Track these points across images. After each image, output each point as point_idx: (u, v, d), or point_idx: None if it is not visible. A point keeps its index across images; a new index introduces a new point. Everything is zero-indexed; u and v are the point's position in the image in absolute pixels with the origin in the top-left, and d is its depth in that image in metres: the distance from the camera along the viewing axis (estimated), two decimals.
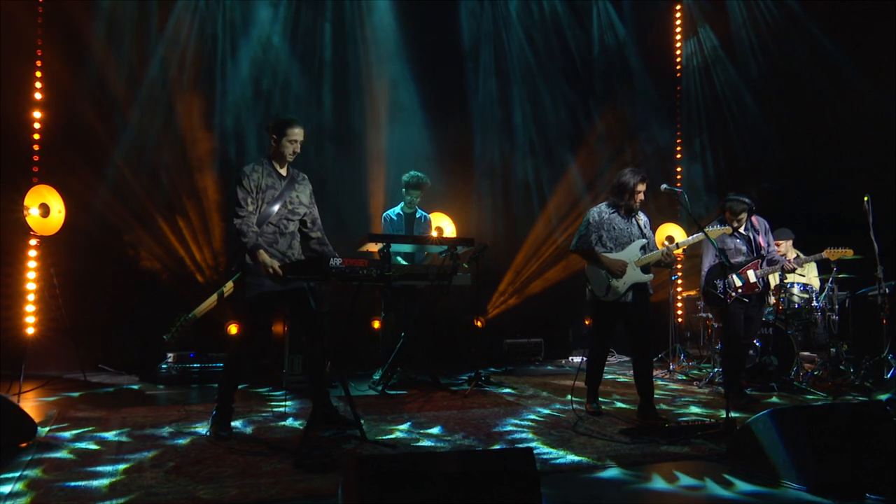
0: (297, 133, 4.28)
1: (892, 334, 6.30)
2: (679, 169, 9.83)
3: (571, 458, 3.85)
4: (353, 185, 7.92)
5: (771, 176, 8.42)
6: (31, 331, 6.65)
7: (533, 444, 4.14)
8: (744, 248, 5.85)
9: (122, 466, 3.55)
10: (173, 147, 7.23)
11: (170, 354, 6.33)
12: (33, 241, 6.54)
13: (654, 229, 6.19)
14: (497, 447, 4.04)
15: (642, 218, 5.16)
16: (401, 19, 8.16)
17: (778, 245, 6.97)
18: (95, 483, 3.28)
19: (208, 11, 7.51)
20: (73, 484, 3.25)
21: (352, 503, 2.33)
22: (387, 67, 8.13)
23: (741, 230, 5.87)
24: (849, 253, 5.97)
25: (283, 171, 4.36)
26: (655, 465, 3.74)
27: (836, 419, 3.52)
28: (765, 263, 5.83)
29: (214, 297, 4.13)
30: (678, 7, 9.86)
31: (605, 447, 4.10)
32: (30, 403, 5.22)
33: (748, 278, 5.72)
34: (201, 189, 7.23)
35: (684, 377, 7.00)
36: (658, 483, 3.47)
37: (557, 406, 5.38)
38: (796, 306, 6.49)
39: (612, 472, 3.63)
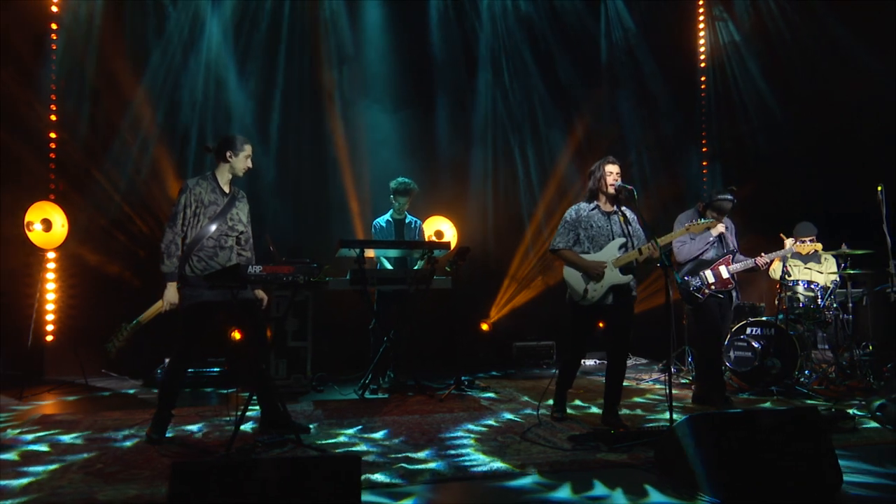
0: (250, 149, 4.45)
1: None
2: (705, 163, 9.45)
3: (493, 465, 3.76)
4: (336, 192, 7.97)
5: (784, 167, 7.96)
6: (49, 338, 7.12)
7: (466, 451, 4.07)
8: (714, 244, 5.61)
9: (53, 467, 3.73)
10: (172, 154, 7.53)
11: (168, 359, 6.56)
12: (52, 255, 6.99)
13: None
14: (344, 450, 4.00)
15: (627, 214, 4.88)
16: (388, 15, 8.18)
17: (803, 241, 6.57)
18: (14, 483, 3.45)
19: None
20: None
21: None
22: (373, 67, 8.15)
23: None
24: (818, 247, 5.57)
25: (227, 189, 4.47)
26: (577, 472, 3.60)
27: (756, 426, 3.31)
28: (734, 259, 5.56)
29: (161, 302, 4.28)
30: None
31: (540, 455, 3.97)
32: (24, 406, 5.54)
33: (720, 274, 5.49)
34: None
35: (686, 381, 6.70)
36: (565, 492, 3.34)
37: (526, 412, 5.26)
38: (800, 305, 6.11)
39: (526, 479, 3.52)
